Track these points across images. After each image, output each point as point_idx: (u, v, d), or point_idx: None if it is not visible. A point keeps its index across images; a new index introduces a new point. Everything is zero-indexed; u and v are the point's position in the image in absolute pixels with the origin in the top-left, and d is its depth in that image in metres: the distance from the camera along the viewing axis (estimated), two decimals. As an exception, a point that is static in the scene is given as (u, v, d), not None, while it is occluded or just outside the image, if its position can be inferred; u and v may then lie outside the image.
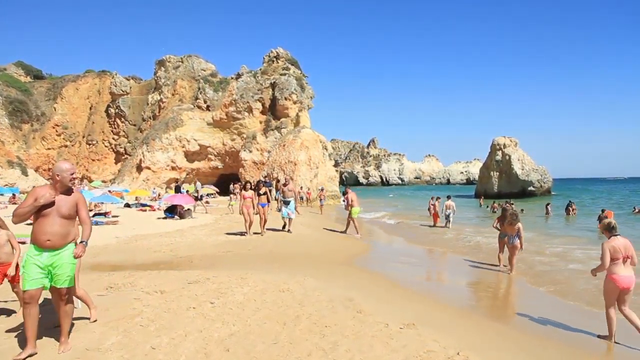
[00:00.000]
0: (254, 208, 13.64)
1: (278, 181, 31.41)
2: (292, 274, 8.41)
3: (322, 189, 30.98)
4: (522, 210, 31.14)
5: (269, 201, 14.52)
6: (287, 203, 14.37)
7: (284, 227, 14.67)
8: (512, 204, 19.08)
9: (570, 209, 25.81)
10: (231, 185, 40.32)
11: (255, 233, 13.70)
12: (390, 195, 64.29)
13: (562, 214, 25.63)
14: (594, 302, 7.65)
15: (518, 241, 10.17)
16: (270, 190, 14.49)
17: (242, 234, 13.76)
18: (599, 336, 5.93)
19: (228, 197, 37.93)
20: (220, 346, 4.50)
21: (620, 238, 5.73)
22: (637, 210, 26.37)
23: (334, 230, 16.89)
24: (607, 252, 5.62)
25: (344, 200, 18.51)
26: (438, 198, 21.06)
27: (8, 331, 4.91)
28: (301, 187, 33.88)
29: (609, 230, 5.81)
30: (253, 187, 14.08)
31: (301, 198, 32.09)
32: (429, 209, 21.25)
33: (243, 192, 13.87)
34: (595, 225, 19.60)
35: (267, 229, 14.25)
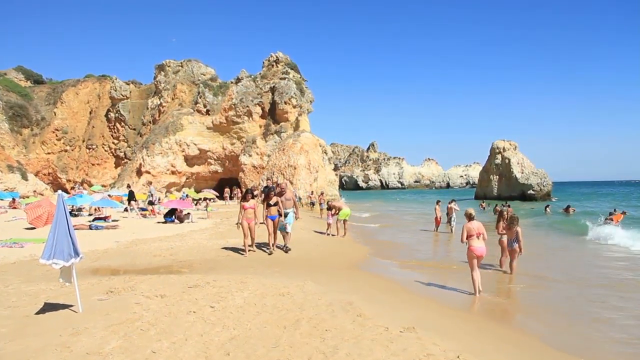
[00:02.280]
0: (255, 221, 11.31)
1: (278, 185, 31.22)
2: (292, 278, 8.43)
3: (322, 193, 30.96)
4: (532, 207, 32.18)
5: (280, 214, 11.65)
6: (284, 215, 11.85)
7: (285, 247, 12.04)
8: (509, 206, 19.17)
9: (570, 209, 30.14)
10: (226, 189, 40.27)
11: (250, 249, 11.40)
12: (397, 199, 64.04)
13: (562, 213, 29.97)
14: (595, 302, 7.67)
15: (517, 245, 10.18)
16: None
17: (238, 251, 11.62)
18: (470, 293, 8.37)
19: (224, 203, 38.00)
20: (220, 350, 4.51)
21: (475, 222, 8.45)
22: (620, 212, 27.57)
23: (333, 235, 16.93)
24: (464, 230, 8.41)
25: (330, 216, 17.28)
26: (438, 202, 20.95)
27: (12, 335, 4.92)
28: (312, 193, 33.31)
29: (468, 218, 8.62)
30: (257, 196, 11.84)
31: (311, 203, 31.70)
32: (446, 213, 20.89)
33: (243, 202, 11.31)
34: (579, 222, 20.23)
35: (258, 243, 11.97)
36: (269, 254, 11.29)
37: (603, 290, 8.88)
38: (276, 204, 11.45)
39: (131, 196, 24.97)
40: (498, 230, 11.10)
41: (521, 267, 10.74)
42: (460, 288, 9.15)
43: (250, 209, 11.18)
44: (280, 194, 11.90)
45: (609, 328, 6.52)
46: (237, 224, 11.50)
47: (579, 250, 14.70)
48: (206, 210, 24.92)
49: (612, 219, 20.49)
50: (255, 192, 12.40)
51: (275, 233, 11.63)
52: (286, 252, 11.72)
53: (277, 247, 11.81)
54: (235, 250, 11.83)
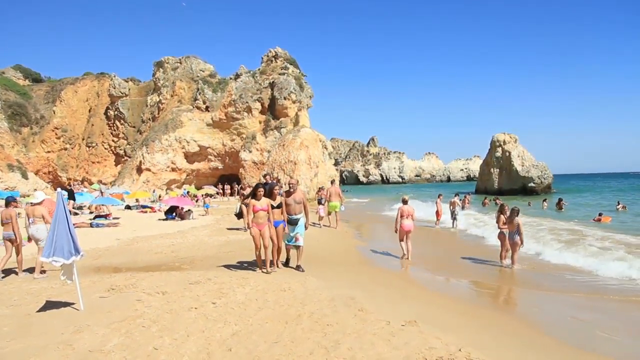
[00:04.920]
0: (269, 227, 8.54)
1: (278, 181, 30.99)
2: (293, 273, 8.42)
3: (322, 188, 30.81)
4: (529, 203, 31.88)
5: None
6: (293, 222, 8.87)
7: (287, 261, 9.37)
8: (497, 199, 19.15)
9: (562, 203, 29.25)
10: (219, 185, 40.10)
11: (264, 268, 8.55)
12: (398, 193, 63.75)
13: (552, 208, 29.39)
14: (598, 298, 7.67)
15: (518, 238, 10.17)
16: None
17: (249, 266, 9.16)
18: (401, 257, 11.19)
19: (226, 199, 38.03)
20: (222, 346, 4.51)
21: (406, 206, 11.18)
22: (621, 206, 26.87)
23: (326, 226, 17.25)
24: (398, 212, 11.22)
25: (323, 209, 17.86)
26: (440, 195, 20.89)
27: (14, 334, 4.92)
28: (321, 188, 30.89)
29: (402, 202, 11.34)
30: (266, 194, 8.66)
31: (319, 201, 30.35)
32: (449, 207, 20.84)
33: (253, 201, 8.44)
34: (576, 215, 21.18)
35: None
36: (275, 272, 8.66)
37: (604, 285, 8.89)
38: (280, 205, 8.75)
39: (70, 195, 24.24)
40: (499, 225, 11.00)
41: (523, 261, 10.75)
42: (461, 281, 9.17)
43: (263, 210, 8.37)
44: (289, 194, 8.96)
45: (611, 320, 6.52)
46: (246, 229, 8.52)
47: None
48: (206, 207, 24.88)
49: (600, 219, 20.50)
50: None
51: (280, 245, 8.88)
52: (297, 269, 8.85)
53: (282, 264, 9.14)
54: (236, 246, 11.77)
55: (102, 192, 24.22)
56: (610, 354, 5.15)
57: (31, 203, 9.02)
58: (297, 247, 8.98)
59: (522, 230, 10.22)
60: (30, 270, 8.72)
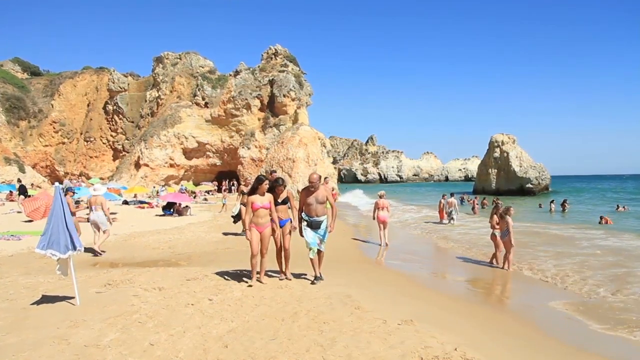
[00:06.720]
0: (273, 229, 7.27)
1: (280, 178, 30.89)
2: (290, 270, 8.41)
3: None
4: (540, 205, 31.56)
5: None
6: (315, 225, 7.35)
7: (316, 278, 7.43)
8: (498, 200, 19.27)
9: (566, 205, 28.86)
10: (218, 183, 39.64)
11: (259, 278, 7.17)
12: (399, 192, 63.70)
13: (559, 210, 28.85)
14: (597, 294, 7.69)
15: (508, 237, 10.02)
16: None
17: (243, 275, 7.56)
18: (380, 245, 12.96)
19: (220, 195, 37.92)
20: (218, 342, 4.51)
21: (381, 200, 13.01)
22: (620, 209, 26.90)
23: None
24: (375, 204, 13.21)
25: None
26: (444, 196, 20.97)
27: (9, 328, 4.91)
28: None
29: (379, 197, 13.19)
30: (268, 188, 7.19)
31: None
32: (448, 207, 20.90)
33: (251, 197, 6.99)
34: (578, 217, 21.08)
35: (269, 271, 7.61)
36: (280, 280, 7.37)
37: (602, 280, 8.91)
38: (286, 201, 7.43)
39: (22, 191, 23.59)
40: (492, 224, 10.88)
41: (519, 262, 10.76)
42: (457, 281, 9.19)
43: (264, 208, 6.99)
44: (309, 193, 7.27)
45: (607, 321, 6.54)
46: (243, 231, 7.16)
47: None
48: (223, 203, 24.09)
49: (606, 221, 20.54)
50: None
51: (287, 248, 7.46)
52: (314, 282, 7.30)
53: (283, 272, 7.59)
54: (234, 242, 11.75)
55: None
56: (607, 354, 5.17)
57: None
58: (318, 253, 7.43)
59: (511, 230, 10.05)
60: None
